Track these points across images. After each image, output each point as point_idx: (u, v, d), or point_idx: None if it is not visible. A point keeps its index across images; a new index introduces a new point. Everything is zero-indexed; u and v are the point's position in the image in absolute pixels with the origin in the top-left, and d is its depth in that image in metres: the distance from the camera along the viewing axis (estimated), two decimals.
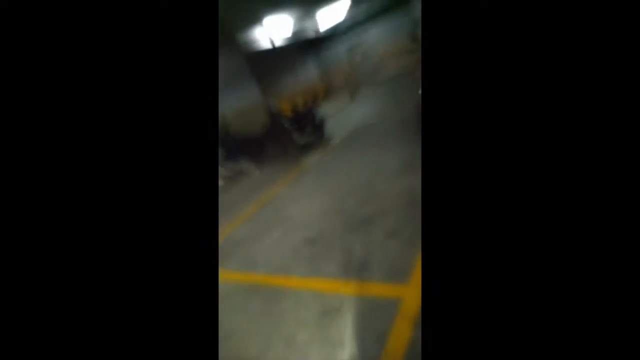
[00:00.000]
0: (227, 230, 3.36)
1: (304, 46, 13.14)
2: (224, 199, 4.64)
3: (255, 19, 8.20)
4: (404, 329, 1.37)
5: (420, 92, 3.75)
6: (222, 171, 5.87)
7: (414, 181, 2.69)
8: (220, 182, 5.76)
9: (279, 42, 9.80)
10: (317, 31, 11.60)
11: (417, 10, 9.67)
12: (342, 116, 7.84)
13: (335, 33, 12.86)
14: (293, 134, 6.23)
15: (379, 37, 12.27)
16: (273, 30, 9.28)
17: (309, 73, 14.30)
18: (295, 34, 10.40)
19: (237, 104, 6.74)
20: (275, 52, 10.87)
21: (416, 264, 1.70)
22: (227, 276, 2.42)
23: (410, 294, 1.53)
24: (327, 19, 10.61)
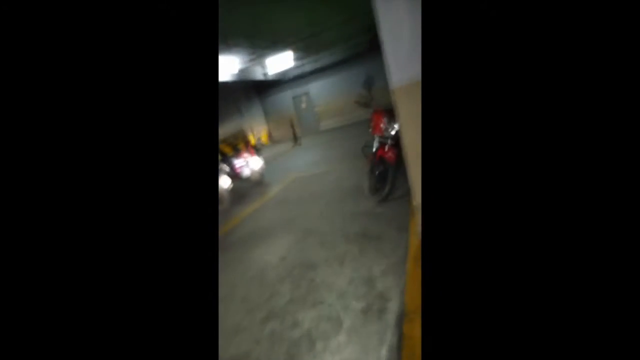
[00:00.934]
0: None
1: (250, 86, 12.76)
2: None
3: None
4: None
5: (374, 150, 3.29)
6: None
7: (376, 278, 2.04)
8: None
9: (224, 77, 9.17)
10: (265, 74, 11.37)
11: (371, 66, 10.19)
12: (284, 162, 7.24)
13: (283, 78, 12.84)
14: (228, 176, 5.38)
15: (329, 87, 12.56)
16: (220, 65, 8.68)
17: (253, 114, 13.82)
18: (242, 72, 9.95)
19: None
20: (220, 87, 10.17)
21: None
22: None
23: None
24: (275, 63, 10.50)
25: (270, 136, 13.87)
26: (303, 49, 9.72)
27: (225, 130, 14.25)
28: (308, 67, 12.21)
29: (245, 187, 5.58)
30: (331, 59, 11.69)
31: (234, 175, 5.30)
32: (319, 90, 12.78)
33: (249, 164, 5.32)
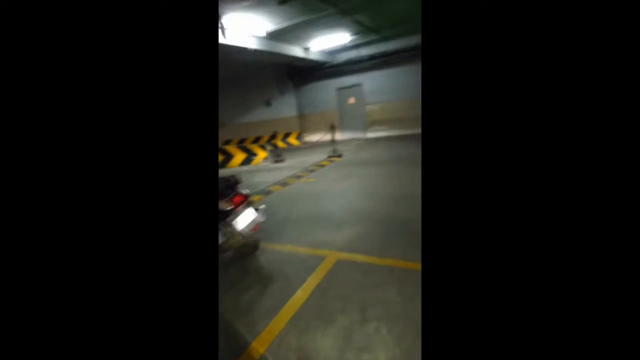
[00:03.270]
0: None
1: (283, 65, 9.61)
2: None
3: None
4: None
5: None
6: None
7: None
8: None
9: (248, 44, 6.13)
10: (306, 48, 8.20)
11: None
12: (311, 190, 4.05)
13: (329, 60, 9.58)
14: None
15: (389, 82, 9.10)
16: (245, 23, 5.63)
17: (284, 105, 10.74)
18: (271, 38, 6.85)
19: None
20: (240, 59, 7.18)
21: None
22: None
23: None
24: (323, 38, 7.30)
25: (300, 137, 10.73)
26: (368, 23, 6.43)
27: (247, 121, 11.29)
28: (367, 51, 8.88)
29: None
30: (404, 44, 8.28)
31: None
32: (375, 83, 9.31)
33: (231, 219, 2.19)
